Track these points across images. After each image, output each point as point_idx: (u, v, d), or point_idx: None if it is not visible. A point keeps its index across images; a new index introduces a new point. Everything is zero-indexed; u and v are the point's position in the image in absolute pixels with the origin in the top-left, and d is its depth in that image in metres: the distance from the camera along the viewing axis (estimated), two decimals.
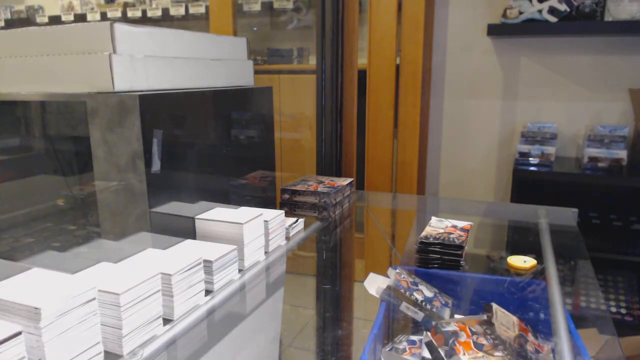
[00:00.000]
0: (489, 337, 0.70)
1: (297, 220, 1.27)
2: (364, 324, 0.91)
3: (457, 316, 0.89)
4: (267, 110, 1.44)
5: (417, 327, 0.85)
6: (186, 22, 2.90)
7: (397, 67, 1.99)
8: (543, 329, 0.84)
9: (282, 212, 1.15)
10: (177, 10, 2.81)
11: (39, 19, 3.29)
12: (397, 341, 0.82)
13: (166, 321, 0.79)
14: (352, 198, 1.60)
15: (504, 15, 1.94)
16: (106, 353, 0.70)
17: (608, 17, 1.86)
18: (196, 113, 1.13)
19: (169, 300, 0.80)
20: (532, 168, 1.92)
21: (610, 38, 1.98)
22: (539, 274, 1.04)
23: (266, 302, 0.96)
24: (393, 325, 0.87)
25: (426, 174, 2.33)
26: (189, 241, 0.96)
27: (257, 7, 2.65)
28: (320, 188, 1.43)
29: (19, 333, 0.58)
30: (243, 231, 0.99)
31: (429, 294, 0.87)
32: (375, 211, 1.67)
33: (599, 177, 1.83)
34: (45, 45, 1.01)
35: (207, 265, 0.89)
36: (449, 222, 1.19)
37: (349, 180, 1.56)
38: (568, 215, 1.45)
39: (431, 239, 1.06)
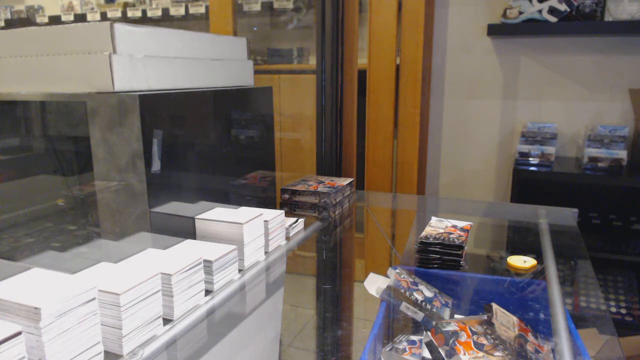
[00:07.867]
0: (489, 337, 0.70)
1: (297, 220, 1.26)
2: (364, 324, 0.91)
3: (457, 316, 0.89)
4: (267, 110, 1.44)
5: (417, 327, 0.85)
6: (186, 22, 2.90)
7: (397, 67, 1.99)
8: (543, 329, 0.84)
9: (282, 212, 1.15)
10: (177, 10, 2.81)
11: (39, 19, 3.29)
12: (397, 341, 0.82)
13: (166, 321, 0.79)
14: (352, 198, 1.60)
15: (504, 15, 1.94)
16: (106, 353, 0.70)
17: (608, 17, 1.86)
18: (196, 113, 1.13)
19: (169, 300, 0.80)
20: (532, 168, 1.92)
21: (610, 38, 1.98)
22: (539, 274, 1.03)
23: (266, 302, 0.96)
24: (393, 325, 0.87)
25: (426, 174, 2.33)
26: (189, 241, 0.96)
27: (257, 7, 2.65)
28: (320, 188, 1.43)
29: (19, 333, 0.58)
30: (243, 231, 0.99)
31: (429, 294, 0.87)
32: (375, 211, 1.67)
33: (599, 177, 1.83)
34: (45, 45, 1.01)
35: (207, 265, 0.89)
36: (449, 222, 1.19)
37: (349, 180, 1.56)
38: (568, 215, 1.45)
39: (431, 239, 1.06)
